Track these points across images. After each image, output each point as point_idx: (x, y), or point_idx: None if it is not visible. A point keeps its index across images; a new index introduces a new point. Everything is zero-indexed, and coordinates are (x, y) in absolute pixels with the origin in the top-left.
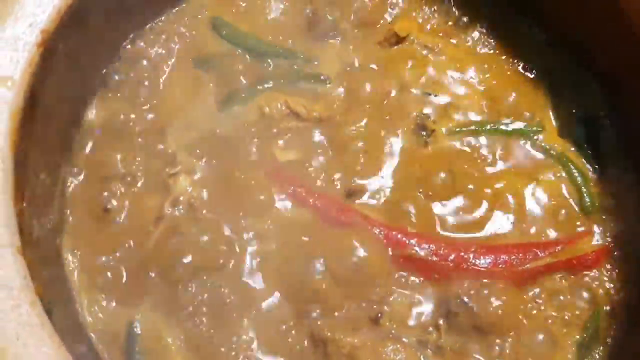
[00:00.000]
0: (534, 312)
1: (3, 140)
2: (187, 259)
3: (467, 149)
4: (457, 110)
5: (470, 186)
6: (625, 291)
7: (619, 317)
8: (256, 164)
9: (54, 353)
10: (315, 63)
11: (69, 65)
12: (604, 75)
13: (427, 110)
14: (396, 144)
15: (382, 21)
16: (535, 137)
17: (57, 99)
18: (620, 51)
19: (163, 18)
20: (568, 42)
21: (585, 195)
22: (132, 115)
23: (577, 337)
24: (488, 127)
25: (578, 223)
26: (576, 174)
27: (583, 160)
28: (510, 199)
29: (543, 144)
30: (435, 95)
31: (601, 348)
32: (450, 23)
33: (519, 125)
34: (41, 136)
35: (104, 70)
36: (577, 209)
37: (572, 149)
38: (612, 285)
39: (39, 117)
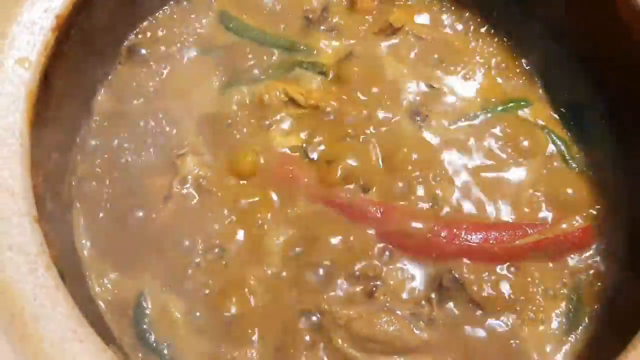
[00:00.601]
0: (523, 286)
1: (20, 118)
2: (195, 236)
3: (459, 134)
4: (450, 97)
5: (462, 168)
6: (609, 264)
7: (603, 289)
8: (258, 148)
9: (68, 313)
10: (314, 52)
11: (81, 50)
12: (594, 64)
13: (421, 97)
14: (391, 129)
15: (377, 12)
16: (522, 112)
17: (69, 82)
18: (610, 44)
19: (171, 8)
20: (561, 34)
21: (569, 160)
22: (140, 100)
23: (563, 308)
24: (479, 113)
25: (567, 203)
26: (559, 142)
27: (568, 133)
28: (501, 179)
29: (531, 119)
30: (429, 84)
31: (586, 319)
32: (444, 14)
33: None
34: (54, 117)
35: (114, 57)
36: (567, 190)
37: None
38: (597, 259)
39: (52, 99)
